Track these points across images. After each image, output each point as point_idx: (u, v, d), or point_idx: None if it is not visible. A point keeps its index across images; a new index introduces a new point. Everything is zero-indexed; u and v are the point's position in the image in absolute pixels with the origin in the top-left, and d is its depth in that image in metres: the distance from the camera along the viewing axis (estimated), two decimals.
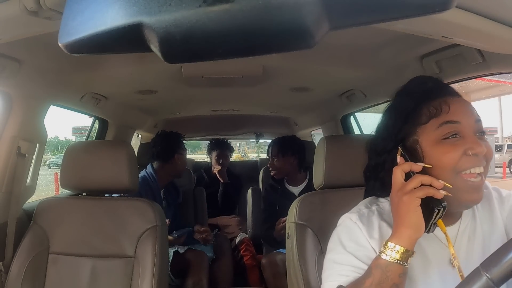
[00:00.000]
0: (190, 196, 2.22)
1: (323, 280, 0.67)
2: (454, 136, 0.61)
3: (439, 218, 0.58)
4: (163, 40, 0.29)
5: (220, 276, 1.85)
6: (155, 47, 0.30)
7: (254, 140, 3.61)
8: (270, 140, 3.37)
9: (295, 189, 1.91)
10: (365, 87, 1.60)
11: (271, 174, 1.99)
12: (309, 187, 1.75)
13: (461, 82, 1.19)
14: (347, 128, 2.18)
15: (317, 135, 3.03)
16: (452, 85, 0.74)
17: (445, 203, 0.57)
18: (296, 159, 1.90)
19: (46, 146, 1.39)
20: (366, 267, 0.62)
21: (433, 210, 0.57)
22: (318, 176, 1.15)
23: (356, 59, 1.24)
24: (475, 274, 0.51)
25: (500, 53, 0.84)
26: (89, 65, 1.21)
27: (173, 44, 0.29)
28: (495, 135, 13.22)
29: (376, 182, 0.70)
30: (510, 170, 11.87)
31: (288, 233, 1.15)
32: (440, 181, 0.58)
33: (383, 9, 0.30)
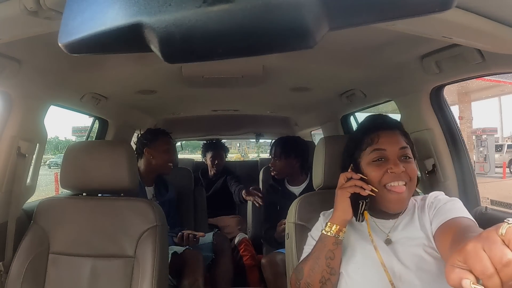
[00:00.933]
0: (190, 196, 2.22)
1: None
2: (381, 159, 0.87)
3: (364, 209, 0.84)
4: (163, 40, 0.29)
5: (220, 276, 1.84)
6: (155, 47, 0.30)
7: (254, 140, 3.61)
8: (270, 140, 3.37)
9: (296, 189, 1.91)
10: (365, 87, 1.60)
11: (272, 174, 1.99)
12: (310, 188, 1.75)
13: (461, 82, 1.19)
14: (347, 128, 2.18)
15: (317, 135, 3.03)
16: (452, 85, 0.77)
17: (367, 199, 0.84)
18: (299, 162, 1.88)
19: (46, 146, 1.39)
20: None
21: (358, 203, 0.84)
22: (318, 176, 1.15)
23: (356, 59, 1.24)
24: None
25: (500, 53, 0.84)
26: (89, 65, 1.21)
27: (173, 44, 0.29)
28: (495, 135, 13.17)
29: None
30: (510, 170, 11.84)
31: (288, 234, 1.15)
32: (369, 185, 0.84)
33: (383, 9, 0.30)
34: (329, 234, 0.85)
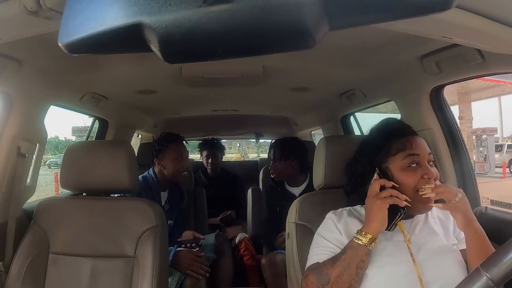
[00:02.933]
0: (190, 196, 2.22)
1: (306, 265, 0.91)
2: (415, 165, 0.87)
3: (400, 220, 0.83)
4: (163, 40, 0.29)
5: (220, 276, 1.84)
6: (155, 47, 0.30)
7: (254, 140, 3.61)
8: (270, 140, 3.37)
9: (296, 190, 1.90)
10: (365, 87, 1.60)
11: (272, 176, 1.98)
12: (310, 188, 1.75)
13: (461, 82, 1.19)
14: (347, 128, 2.18)
15: (317, 135, 3.03)
16: (452, 85, 0.77)
17: (405, 210, 0.83)
18: (298, 163, 1.88)
19: (46, 146, 1.39)
20: (333, 246, 0.89)
21: (397, 214, 0.82)
22: (318, 176, 1.15)
23: (356, 59, 1.24)
24: (475, 274, 0.51)
25: (500, 53, 0.84)
26: (89, 65, 1.21)
27: (173, 44, 0.29)
28: (495, 135, 13.15)
29: (355, 195, 0.98)
30: (510, 170, 11.84)
31: (288, 233, 1.14)
32: (404, 195, 0.83)
33: (383, 9, 0.30)
34: (361, 243, 0.82)
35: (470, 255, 0.84)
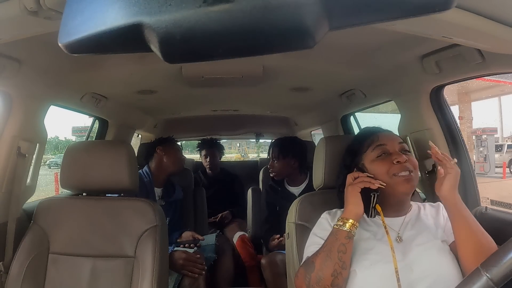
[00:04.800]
0: (190, 196, 2.22)
1: (301, 263, 0.94)
2: (384, 154, 0.93)
3: (376, 203, 0.87)
4: (163, 40, 0.29)
5: (220, 276, 1.85)
6: (155, 47, 0.30)
7: (254, 140, 3.61)
8: (270, 140, 3.37)
9: (295, 190, 1.91)
10: (365, 87, 1.60)
11: (271, 175, 1.98)
12: (310, 188, 1.75)
13: (461, 82, 1.19)
14: (347, 128, 2.18)
15: (317, 135, 3.03)
16: (452, 85, 0.78)
17: (378, 192, 0.87)
18: (297, 162, 1.88)
19: (46, 146, 1.39)
20: None
21: (370, 195, 0.87)
22: (318, 176, 1.15)
23: (356, 59, 1.24)
24: (475, 274, 0.51)
25: (500, 53, 0.84)
26: (89, 65, 1.21)
27: (173, 44, 0.29)
28: (495, 135, 13.14)
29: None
30: (510, 170, 11.84)
31: (288, 234, 1.14)
32: (378, 180, 0.88)
33: (383, 9, 0.30)
34: (341, 228, 0.86)
35: (453, 228, 0.86)
